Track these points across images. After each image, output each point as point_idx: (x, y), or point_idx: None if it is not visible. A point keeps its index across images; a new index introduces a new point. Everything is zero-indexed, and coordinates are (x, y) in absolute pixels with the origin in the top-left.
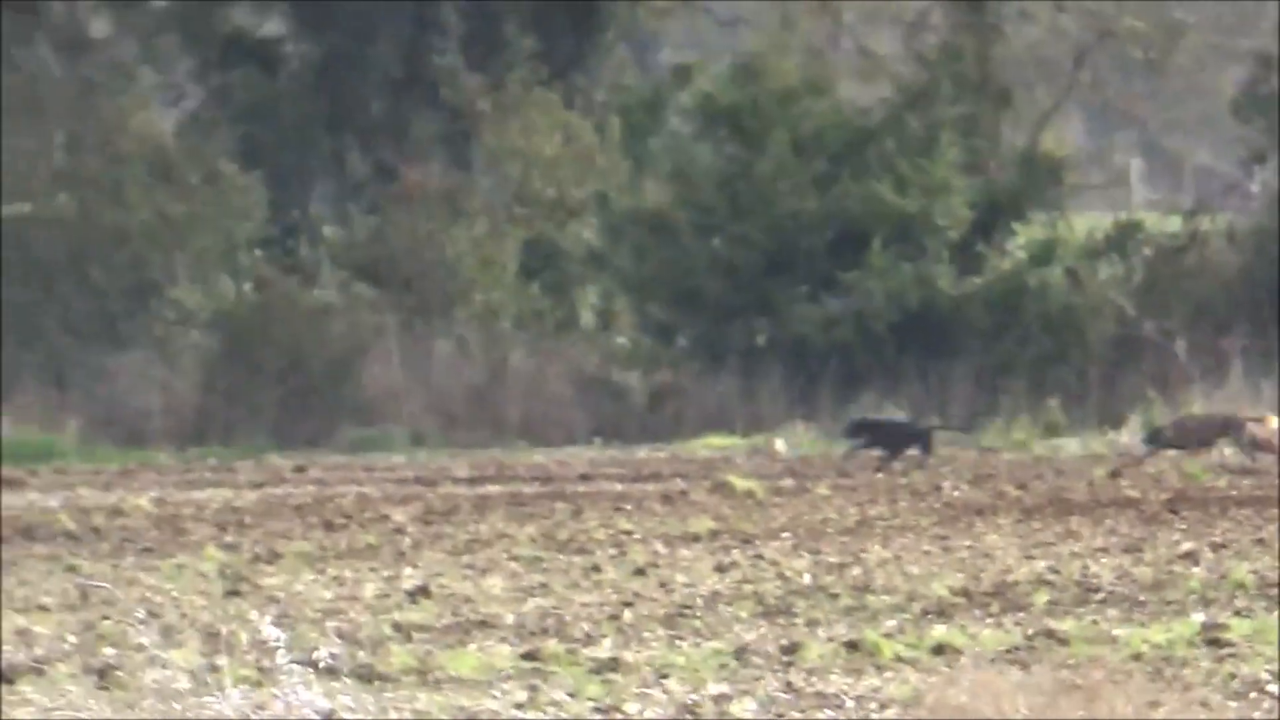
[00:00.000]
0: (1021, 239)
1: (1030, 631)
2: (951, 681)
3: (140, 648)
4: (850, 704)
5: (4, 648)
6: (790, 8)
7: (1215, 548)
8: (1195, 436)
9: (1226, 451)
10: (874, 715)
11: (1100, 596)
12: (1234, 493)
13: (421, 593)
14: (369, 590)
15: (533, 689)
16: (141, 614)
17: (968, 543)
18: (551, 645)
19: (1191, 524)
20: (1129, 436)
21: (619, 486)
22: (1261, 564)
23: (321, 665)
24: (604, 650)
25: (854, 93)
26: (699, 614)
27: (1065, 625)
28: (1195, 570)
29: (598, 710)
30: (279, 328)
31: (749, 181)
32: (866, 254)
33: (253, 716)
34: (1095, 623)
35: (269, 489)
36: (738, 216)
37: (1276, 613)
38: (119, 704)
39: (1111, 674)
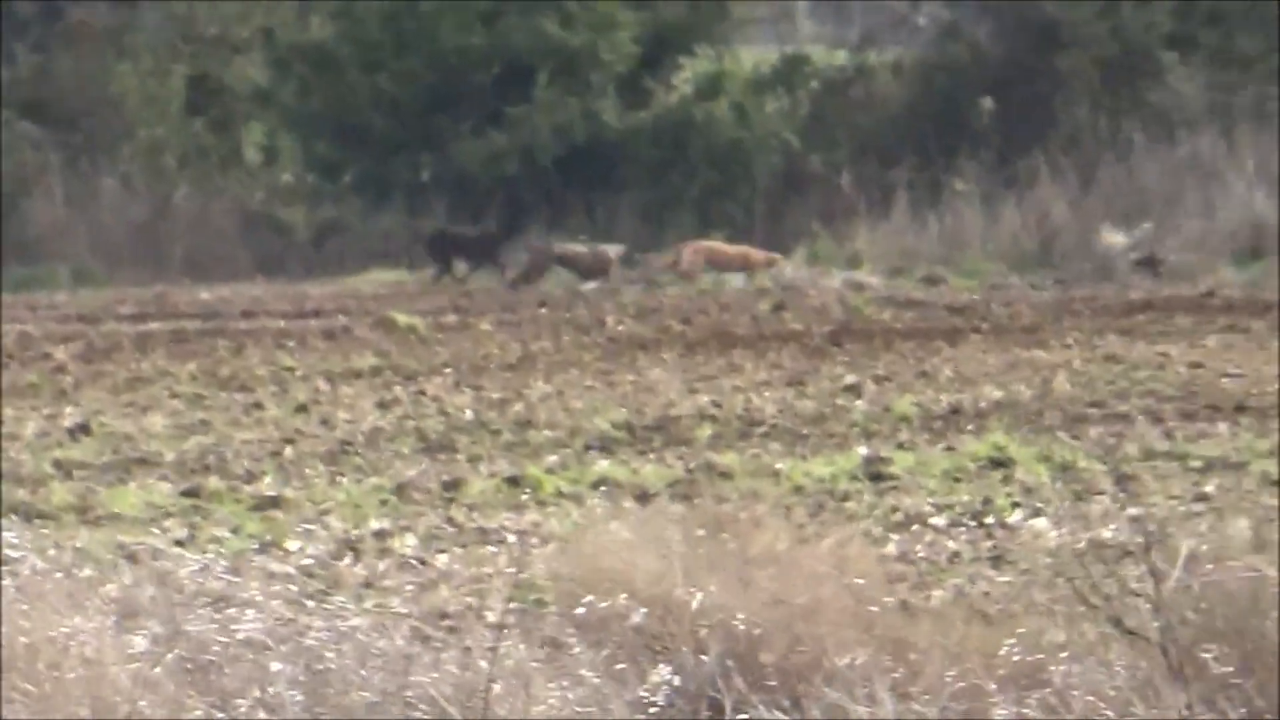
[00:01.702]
0: (688, 73)
1: (692, 465)
2: (613, 516)
3: None
4: (511, 539)
5: None
6: None
7: (878, 380)
8: None
9: None
10: (535, 550)
11: (763, 430)
12: (898, 326)
13: (82, 430)
14: (29, 428)
15: (193, 526)
16: None
17: (631, 378)
18: (212, 482)
19: (854, 357)
20: (793, 270)
21: (282, 323)
22: (924, 397)
23: None
24: (265, 487)
25: None
26: (360, 450)
27: (727, 459)
28: (858, 404)
29: (259, 547)
30: None
31: (413, 17)
32: (532, 89)
33: None
34: (757, 456)
35: None
36: (402, 52)
37: (938, 446)
38: None
39: (773, 507)
